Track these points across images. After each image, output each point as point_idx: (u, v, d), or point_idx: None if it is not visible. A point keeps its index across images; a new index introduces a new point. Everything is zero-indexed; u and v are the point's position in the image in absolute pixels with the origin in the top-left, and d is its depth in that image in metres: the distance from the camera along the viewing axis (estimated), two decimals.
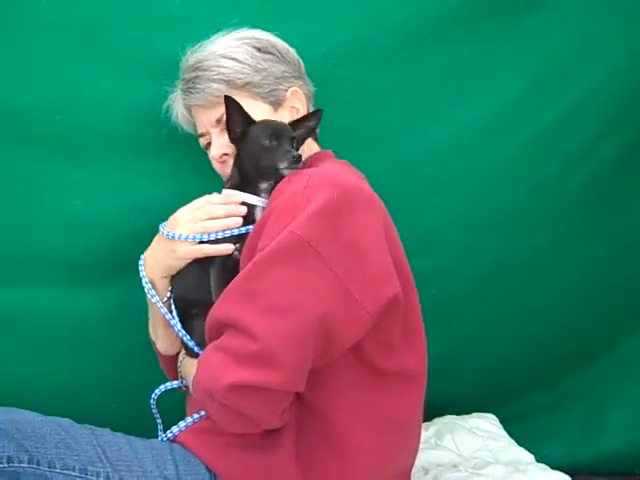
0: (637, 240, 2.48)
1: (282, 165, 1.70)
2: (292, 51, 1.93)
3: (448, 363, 2.25)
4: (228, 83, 1.82)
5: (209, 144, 1.91)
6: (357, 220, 1.56)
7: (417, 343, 1.74)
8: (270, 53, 1.87)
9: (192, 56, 1.90)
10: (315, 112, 1.80)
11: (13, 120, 1.96)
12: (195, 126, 1.96)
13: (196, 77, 1.86)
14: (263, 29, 1.93)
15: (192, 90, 1.87)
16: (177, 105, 1.96)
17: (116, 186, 2.06)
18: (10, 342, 2.11)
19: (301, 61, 1.94)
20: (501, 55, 2.21)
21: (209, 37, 1.89)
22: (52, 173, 2.02)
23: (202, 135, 1.93)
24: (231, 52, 1.85)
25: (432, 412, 2.30)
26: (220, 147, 1.87)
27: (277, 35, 1.92)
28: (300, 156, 1.69)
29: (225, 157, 1.87)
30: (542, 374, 2.59)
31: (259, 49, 1.86)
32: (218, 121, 1.85)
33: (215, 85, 1.82)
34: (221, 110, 1.79)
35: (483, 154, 2.26)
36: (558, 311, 2.49)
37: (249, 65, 1.84)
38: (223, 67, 1.83)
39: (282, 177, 1.71)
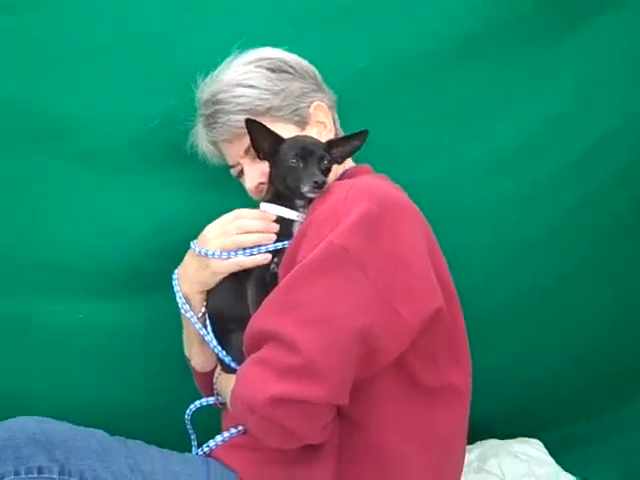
0: None
1: (305, 188, 1.66)
2: (305, 63, 1.88)
3: (491, 385, 2.15)
4: (249, 112, 1.77)
5: (241, 172, 1.89)
6: (398, 231, 1.53)
7: (461, 358, 1.69)
8: (284, 71, 1.83)
9: (207, 90, 1.86)
10: (361, 132, 1.74)
11: (46, 131, 1.96)
12: (223, 158, 1.94)
13: (215, 112, 1.82)
14: (303, 44, 1.91)
15: (214, 125, 1.84)
16: (201, 140, 1.93)
17: (150, 198, 2.04)
18: (41, 353, 2.10)
19: (316, 71, 1.90)
20: (543, 73, 2.16)
21: (240, 51, 1.88)
22: (85, 184, 2.01)
23: (232, 167, 1.91)
24: (246, 79, 1.81)
25: (474, 435, 2.22)
26: (253, 178, 1.84)
27: (289, 49, 1.88)
28: (324, 182, 1.65)
29: (261, 186, 1.84)
30: (592, 399, 2.50)
31: (273, 70, 1.82)
32: (247, 152, 1.82)
33: (236, 117, 1.78)
34: (248, 140, 1.75)
35: (520, 174, 2.20)
36: (608, 332, 2.41)
37: (266, 89, 1.80)
38: (241, 96, 1.79)
39: (307, 199, 1.69)
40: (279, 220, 1.72)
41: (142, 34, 1.97)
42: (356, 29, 2.04)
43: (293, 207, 1.72)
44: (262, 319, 1.53)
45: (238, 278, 1.73)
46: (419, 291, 1.53)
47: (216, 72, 1.87)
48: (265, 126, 1.70)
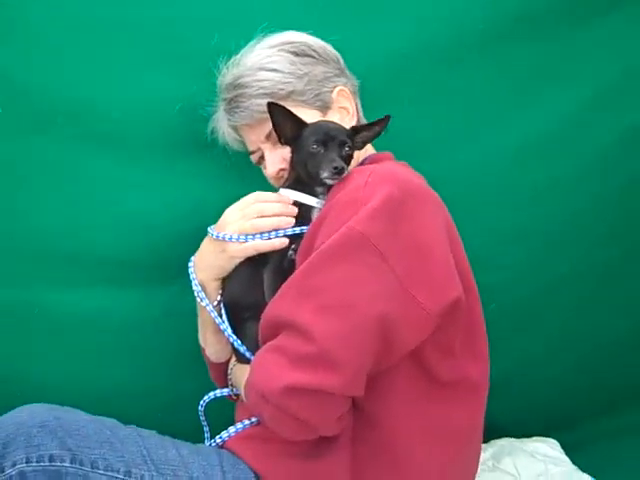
0: None
1: (324, 174, 1.63)
2: (329, 47, 1.86)
3: (507, 383, 2.15)
4: (271, 96, 1.75)
5: (261, 158, 1.87)
6: (419, 218, 1.50)
7: (479, 352, 1.66)
8: (308, 55, 1.81)
9: (229, 73, 1.84)
10: (383, 118, 1.71)
11: (62, 116, 1.94)
12: (243, 144, 1.91)
13: (237, 95, 1.80)
14: (325, 30, 1.88)
15: (236, 110, 1.81)
16: (222, 125, 1.91)
17: (167, 186, 2.02)
18: (55, 341, 2.08)
19: (340, 56, 1.88)
20: (568, 61, 2.14)
21: (263, 36, 1.85)
22: (102, 171, 1.99)
23: (252, 152, 1.88)
24: (269, 63, 1.79)
25: (489, 434, 2.19)
26: (274, 164, 1.82)
27: (310, 33, 1.86)
28: (344, 168, 1.62)
29: (282, 172, 1.81)
30: (609, 399, 2.47)
31: (296, 53, 1.80)
32: (268, 137, 1.79)
33: (258, 101, 1.76)
34: (269, 125, 1.72)
35: (547, 165, 2.18)
36: (625, 329, 2.38)
37: (289, 73, 1.77)
38: (263, 80, 1.77)
39: (327, 185, 1.66)
40: (298, 205, 1.70)
41: (164, 17, 1.95)
42: (380, 15, 2.02)
43: (313, 193, 1.70)
44: (278, 306, 1.51)
45: (254, 265, 1.71)
46: (439, 279, 1.50)
47: (239, 56, 1.84)
48: (288, 110, 1.68)
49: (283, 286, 1.52)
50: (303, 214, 1.69)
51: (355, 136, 1.70)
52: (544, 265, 2.26)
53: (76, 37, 1.92)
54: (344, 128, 1.70)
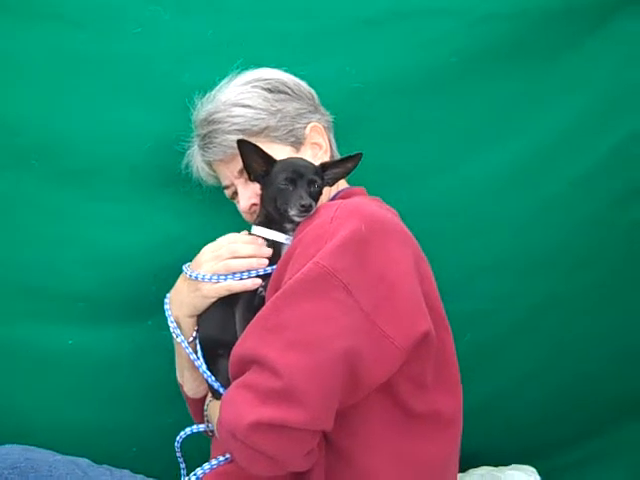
0: None
1: (292, 212, 1.65)
2: (303, 84, 1.89)
3: (484, 412, 2.17)
4: (244, 132, 1.78)
5: (235, 193, 1.89)
6: (386, 252, 1.51)
7: (452, 384, 1.67)
8: (282, 92, 1.84)
9: (203, 109, 1.86)
10: (355, 155, 1.73)
11: (41, 153, 1.96)
12: (217, 179, 1.93)
13: (211, 131, 1.83)
14: (298, 65, 1.91)
15: (209, 145, 1.84)
16: (196, 160, 1.93)
17: (142, 221, 2.04)
18: (28, 379, 2.07)
19: (314, 92, 1.90)
20: (541, 94, 2.17)
21: (238, 72, 1.87)
22: (77, 207, 2.01)
23: (227, 187, 1.90)
24: (242, 99, 1.81)
25: (466, 463, 2.20)
26: (247, 198, 1.84)
27: (285, 70, 1.89)
28: (311, 205, 1.63)
29: (254, 207, 1.83)
30: (587, 424, 2.46)
31: (270, 90, 1.83)
32: (241, 172, 1.81)
33: (231, 137, 1.78)
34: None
35: (521, 194, 2.19)
36: (602, 356, 2.37)
37: (263, 109, 1.80)
38: (237, 116, 1.80)
39: (295, 222, 1.68)
40: (270, 244, 1.71)
41: (139, 54, 1.98)
42: (352, 50, 2.05)
43: (282, 230, 1.71)
44: (245, 343, 1.51)
45: (228, 303, 1.72)
46: (407, 313, 1.50)
47: (213, 92, 1.87)
48: (257, 147, 1.69)
49: (251, 323, 1.52)
50: (274, 252, 1.70)
51: (324, 172, 1.71)
52: (518, 294, 2.26)
53: (51, 74, 1.96)
54: (313, 165, 1.71)
